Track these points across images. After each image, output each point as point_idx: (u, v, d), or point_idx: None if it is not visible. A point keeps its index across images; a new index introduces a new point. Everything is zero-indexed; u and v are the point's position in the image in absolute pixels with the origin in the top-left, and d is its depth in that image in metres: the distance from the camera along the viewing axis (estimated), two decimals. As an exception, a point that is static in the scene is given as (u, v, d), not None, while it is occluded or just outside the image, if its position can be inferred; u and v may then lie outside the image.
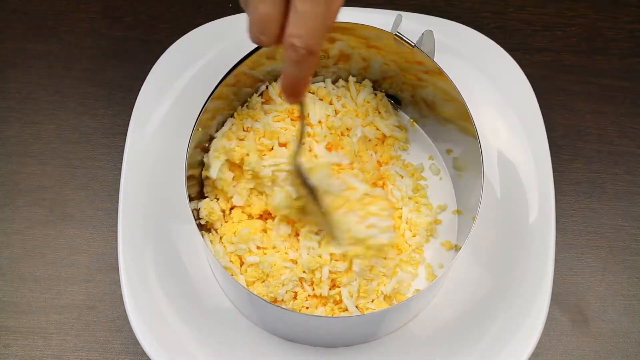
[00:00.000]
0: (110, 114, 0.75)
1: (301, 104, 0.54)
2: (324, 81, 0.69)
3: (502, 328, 0.61)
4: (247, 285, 0.60)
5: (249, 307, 0.60)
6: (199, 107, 0.58)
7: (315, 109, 0.65)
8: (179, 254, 0.63)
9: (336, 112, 0.66)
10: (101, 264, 0.69)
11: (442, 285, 0.63)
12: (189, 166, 0.58)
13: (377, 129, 0.67)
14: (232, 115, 0.65)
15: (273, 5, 0.44)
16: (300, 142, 0.57)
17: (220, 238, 0.62)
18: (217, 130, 0.64)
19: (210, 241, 0.62)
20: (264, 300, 0.54)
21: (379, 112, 0.68)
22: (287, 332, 0.60)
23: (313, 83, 0.68)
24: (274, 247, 0.61)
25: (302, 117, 0.55)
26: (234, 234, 0.61)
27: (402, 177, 0.66)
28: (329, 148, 0.64)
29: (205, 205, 0.62)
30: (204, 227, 0.63)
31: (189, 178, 0.59)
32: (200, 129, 0.58)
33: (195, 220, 0.57)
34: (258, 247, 0.61)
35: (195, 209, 0.62)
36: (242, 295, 0.58)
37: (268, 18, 0.44)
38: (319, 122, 0.65)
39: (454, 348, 0.61)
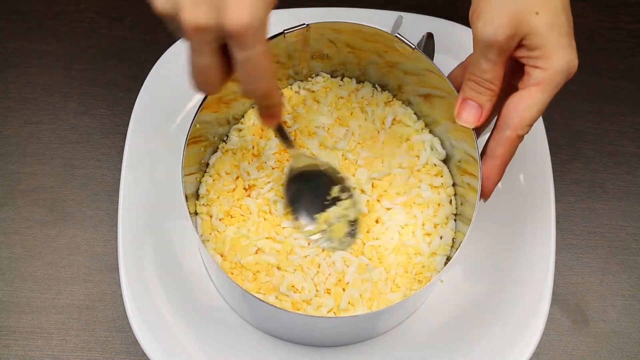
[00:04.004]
0: (110, 114, 0.75)
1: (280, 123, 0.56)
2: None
3: (502, 328, 0.61)
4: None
5: (245, 308, 0.60)
6: (197, 106, 0.58)
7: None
8: (179, 254, 0.63)
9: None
10: (101, 264, 0.69)
11: (439, 284, 0.63)
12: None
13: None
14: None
15: (210, 57, 0.44)
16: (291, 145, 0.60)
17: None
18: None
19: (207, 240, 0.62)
20: (259, 299, 0.53)
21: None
22: (282, 331, 0.60)
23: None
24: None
25: (284, 133, 0.58)
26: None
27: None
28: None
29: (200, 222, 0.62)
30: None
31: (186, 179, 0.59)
32: (198, 126, 0.58)
33: (192, 220, 0.57)
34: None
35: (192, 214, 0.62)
36: (237, 295, 0.58)
37: (206, 69, 0.45)
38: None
39: (454, 347, 0.61)
